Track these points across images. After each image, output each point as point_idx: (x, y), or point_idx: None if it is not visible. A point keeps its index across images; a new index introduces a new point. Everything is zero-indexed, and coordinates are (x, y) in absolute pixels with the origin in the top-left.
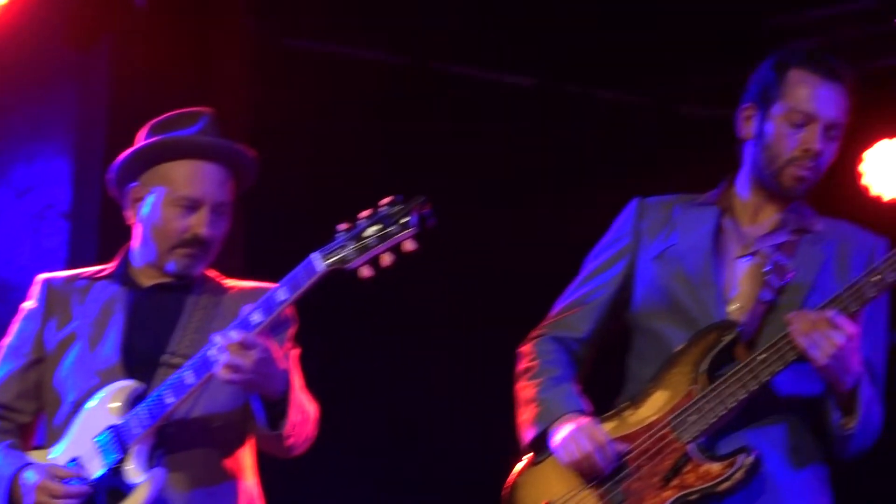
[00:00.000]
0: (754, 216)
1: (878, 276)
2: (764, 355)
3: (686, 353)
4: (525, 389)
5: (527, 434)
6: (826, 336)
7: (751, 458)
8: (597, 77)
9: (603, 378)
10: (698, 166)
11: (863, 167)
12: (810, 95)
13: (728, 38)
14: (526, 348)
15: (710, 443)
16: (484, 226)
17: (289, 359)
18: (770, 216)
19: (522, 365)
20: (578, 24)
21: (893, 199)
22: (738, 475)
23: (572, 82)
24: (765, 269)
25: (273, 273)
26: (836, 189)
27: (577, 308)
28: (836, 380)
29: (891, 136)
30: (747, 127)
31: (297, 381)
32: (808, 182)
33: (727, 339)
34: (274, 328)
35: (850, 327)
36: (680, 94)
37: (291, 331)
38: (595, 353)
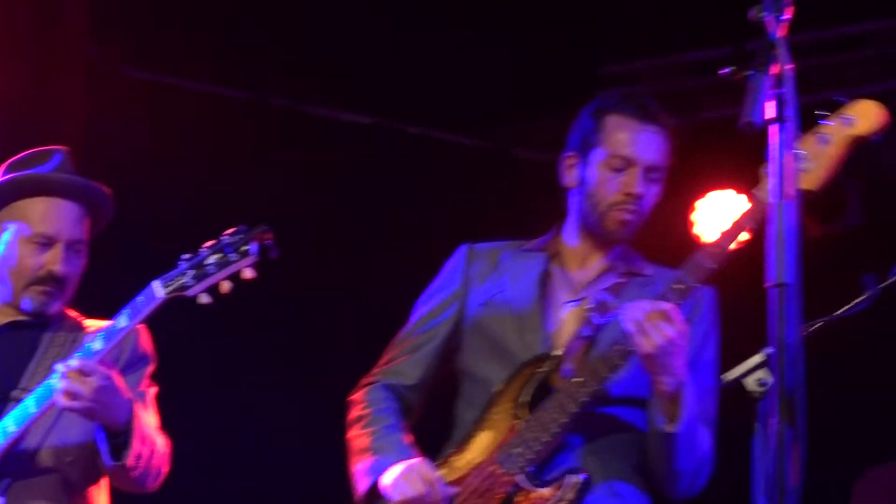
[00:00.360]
0: (582, 262)
1: (682, 285)
2: (580, 378)
3: (505, 391)
4: (358, 438)
5: (361, 484)
6: (657, 327)
7: (579, 479)
8: (435, 118)
9: (434, 426)
10: (533, 209)
11: (694, 216)
12: (628, 140)
13: (564, 84)
14: (357, 396)
15: (539, 471)
16: (319, 262)
17: (146, 396)
18: (598, 262)
19: (354, 413)
20: (419, 66)
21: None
22: (570, 495)
23: (411, 122)
24: (587, 307)
25: (110, 301)
26: (668, 238)
27: (407, 355)
28: (657, 376)
29: (722, 186)
30: (570, 175)
31: (151, 418)
32: (631, 225)
33: (543, 370)
34: (131, 365)
35: (682, 325)
36: (516, 137)
37: (149, 369)
38: (426, 400)
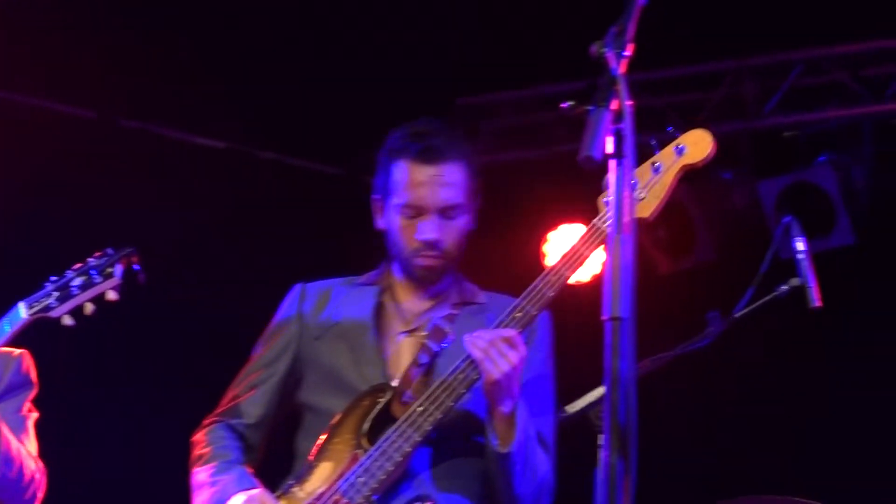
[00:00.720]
0: (414, 294)
1: (521, 312)
2: (422, 407)
3: (344, 422)
4: (199, 474)
5: None
6: (503, 353)
7: None
8: (289, 144)
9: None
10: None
11: (546, 248)
12: (415, 186)
13: (419, 113)
14: (198, 436)
15: (383, 500)
16: (168, 286)
17: (26, 422)
18: (431, 293)
19: (196, 453)
20: (273, 92)
21: (576, 282)
22: None
23: (264, 148)
24: (423, 333)
25: None
26: (519, 269)
27: (247, 394)
28: (499, 400)
29: (574, 219)
30: (378, 218)
31: (31, 443)
32: (437, 269)
33: (383, 400)
34: (12, 389)
35: (524, 349)
36: (369, 165)
37: (31, 394)
38: (268, 438)
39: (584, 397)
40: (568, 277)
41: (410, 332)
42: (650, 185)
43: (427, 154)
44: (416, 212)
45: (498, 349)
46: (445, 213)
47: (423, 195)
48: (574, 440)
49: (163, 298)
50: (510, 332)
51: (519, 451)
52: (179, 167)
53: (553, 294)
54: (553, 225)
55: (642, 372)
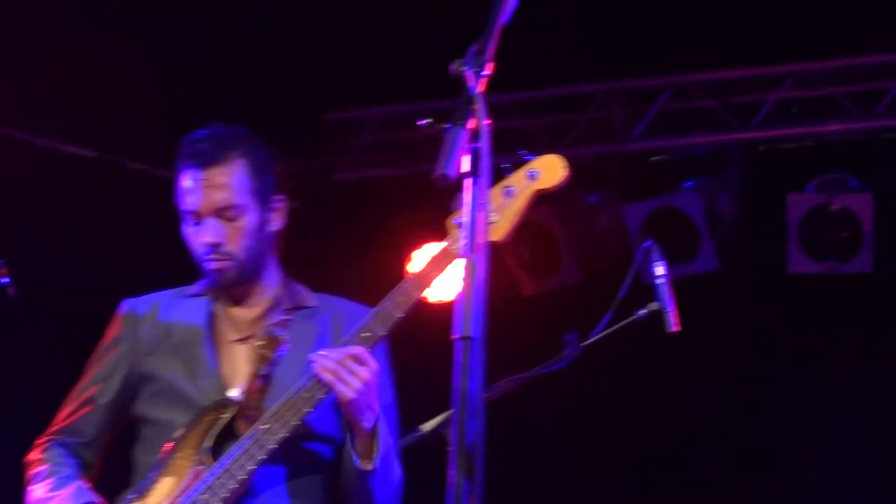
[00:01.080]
0: (245, 301)
1: (369, 333)
2: (267, 425)
3: (186, 437)
4: (35, 491)
5: None
6: (353, 372)
7: None
8: (156, 156)
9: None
10: None
11: (410, 266)
12: (187, 192)
13: (286, 129)
14: (33, 456)
15: None
16: (32, 295)
17: None
18: (261, 299)
19: (31, 471)
20: (145, 103)
21: (438, 301)
22: None
23: (132, 158)
24: (258, 344)
25: None
26: (385, 286)
27: (80, 412)
28: (358, 417)
29: (438, 237)
30: None
31: None
32: (228, 270)
33: (226, 416)
34: None
35: (374, 363)
36: None
37: None
38: (104, 454)
39: (440, 416)
40: (416, 299)
41: (244, 340)
42: (502, 209)
43: (193, 159)
44: (195, 217)
45: (347, 368)
46: (222, 214)
47: (195, 200)
48: (428, 458)
49: (26, 309)
50: (357, 350)
51: (382, 466)
52: (48, 176)
53: (401, 315)
54: (419, 243)
55: (498, 393)
